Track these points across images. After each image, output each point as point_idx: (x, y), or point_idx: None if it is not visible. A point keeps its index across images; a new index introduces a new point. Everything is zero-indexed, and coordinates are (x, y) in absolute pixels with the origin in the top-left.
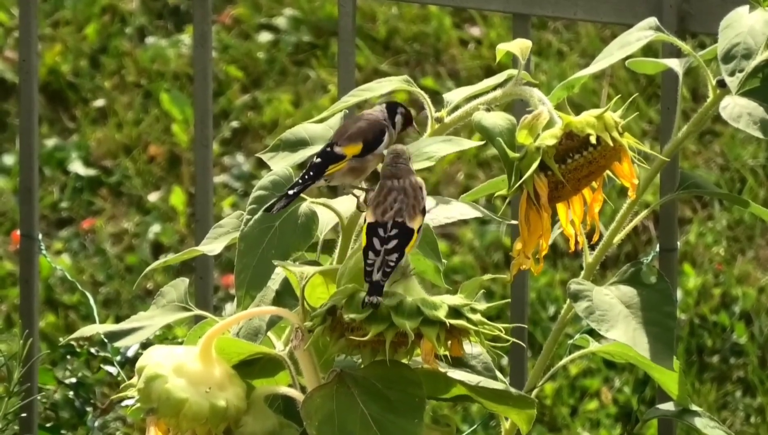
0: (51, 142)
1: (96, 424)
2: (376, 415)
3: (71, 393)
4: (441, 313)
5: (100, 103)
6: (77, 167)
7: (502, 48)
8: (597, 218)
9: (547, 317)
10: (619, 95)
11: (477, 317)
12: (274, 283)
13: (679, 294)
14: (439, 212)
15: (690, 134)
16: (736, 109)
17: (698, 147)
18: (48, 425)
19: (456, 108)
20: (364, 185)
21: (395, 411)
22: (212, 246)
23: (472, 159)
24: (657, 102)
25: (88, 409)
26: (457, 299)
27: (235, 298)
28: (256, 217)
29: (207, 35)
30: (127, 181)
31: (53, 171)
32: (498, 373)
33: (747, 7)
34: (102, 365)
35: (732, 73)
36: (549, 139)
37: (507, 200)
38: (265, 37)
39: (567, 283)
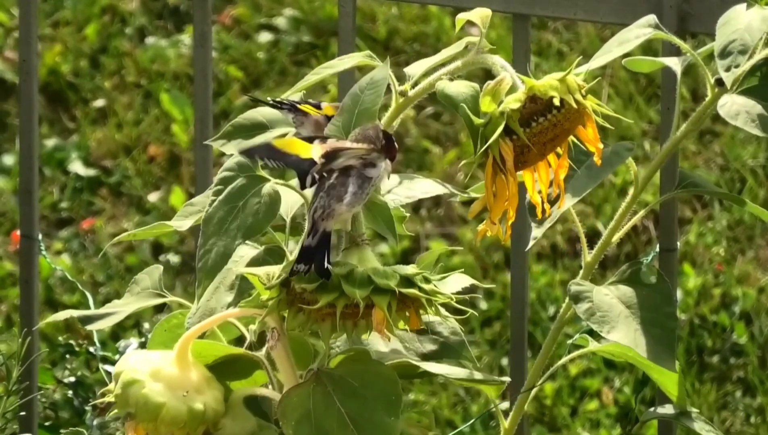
0: (51, 142)
1: (95, 423)
2: (353, 413)
3: (70, 392)
4: (392, 282)
5: (100, 103)
6: (77, 167)
7: (462, 17)
8: (562, 185)
9: (547, 317)
10: (605, 89)
11: (430, 287)
12: (236, 265)
13: (679, 294)
14: (401, 191)
15: (689, 133)
16: (734, 107)
17: (698, 147)
18: (47, 424)
19: (418, 83)
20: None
21: (372, 409)
22: (182, 222)
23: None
24: (657, 102)
25: (87, 408)
26: (409, 269)
27: (196, 280)
28: (220, 198)
29: (207, 35)
30: (127, 181)
31: (53, 171)
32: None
33: (745, 5)
34: (101, 365)
35: (728, 69)
36: (513, 102)
37: (473, 167)
38: (265, 37)
39: (567, 284)
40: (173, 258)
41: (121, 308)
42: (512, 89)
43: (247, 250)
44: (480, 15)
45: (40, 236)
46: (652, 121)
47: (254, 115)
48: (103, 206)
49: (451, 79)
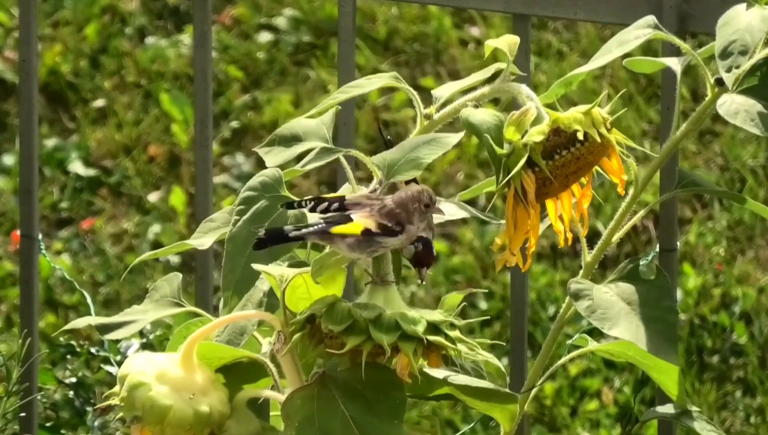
0: (51, 142)
1: (96, 423)
2: (357, 417)
3: (71, 393)
4: (419, 329)
5: (100, 103)
6: (77, 167)
7: (490, 44)
8: (586, 214)
9: (547, 317)
10: (605, 89)
11: (455, 334)
12: (263, 283)
13: (679, 294)
14: None
15: (689, 133)
16: (733, 105)
17: (698, 147)
18: (48, 425)
19: (445, 104)
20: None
21: (376, 413)
22: (202, 240)
23: (472, 159)
24: (657, 102)
25: (88, 408)
26: (436, 315)
27: (222, 299)
28: (245, 217)
29: (207, 35)
30: (127, 181)
31: (53, 171)
32: (489, 356)
33: (745, 5)
34: (102, 365)
35: (729, 70)
36: (536, 135)
37: (495, 197)
38: (265, 37)
39: (567, 284)
40: (173, 258)
41: (141, 316)
42: (537, 120)
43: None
44: (508, 42)
45: (40, 236)
46: (652, 121)
47: (293, 126)
48: (103, 206)
49: (476, 106)
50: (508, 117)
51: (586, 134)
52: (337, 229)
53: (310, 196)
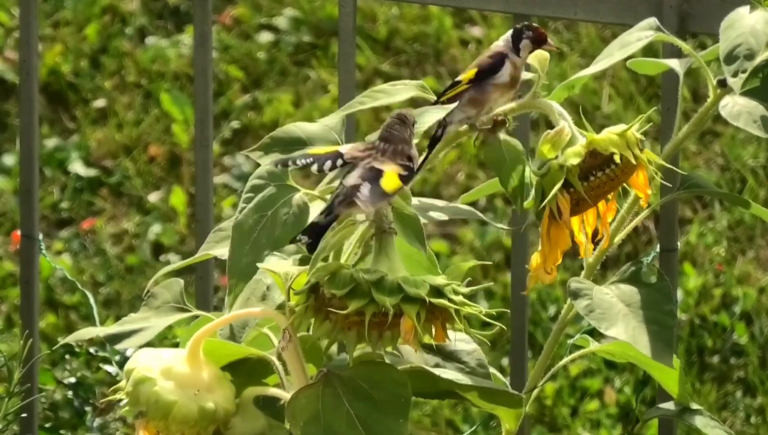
0: (51, 143)
1: (95, 424)
2: (362, 414)
3: (70, 393)
4: (422, 291)
5: (100, 103)
6: (77, 167)
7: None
8: (608, 227)
9: (548, 317)
10: (606, 90)
11: (459, 298)
12: (266, 277)
13: (679, 294)
14: (432, 212)
15: (690, 134)
16: (736, 107)
17: (699, 147)
18: (47, 425)
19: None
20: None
21: (381, 411)
22: (219, 250)
23: (473, 159)
24: (657, 102)
25: (87, 408)
26: (439, 279)
27: (227, 287)
28: (250, 205)
29: (207, 35)
30: (127, 181)
31: (53, 171)
32: (497, 372)
33: (748, 7)
34: (101, 365)
35: (735, 74)
36: (573, 157)
37: (529, 215)
38: (265, 37)
39: (567, 282)
40: (173, 258)
41: (145, 324)
42: (571, 140)
43: (275, 261)
44: (539, 59)
45: (40, 236)
46: (653, 121)
47: (293, 130)
48: (103, 206)
49: (503, 121)
50: (543, 136)
51: (622, 156)
52: (386, 185)
53: (300, 153)
